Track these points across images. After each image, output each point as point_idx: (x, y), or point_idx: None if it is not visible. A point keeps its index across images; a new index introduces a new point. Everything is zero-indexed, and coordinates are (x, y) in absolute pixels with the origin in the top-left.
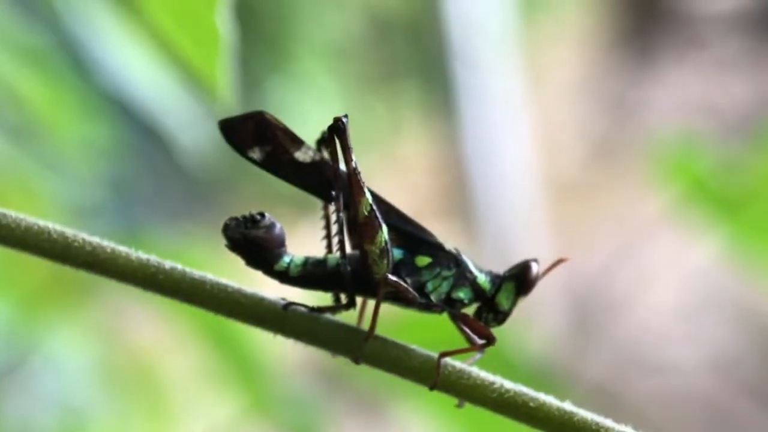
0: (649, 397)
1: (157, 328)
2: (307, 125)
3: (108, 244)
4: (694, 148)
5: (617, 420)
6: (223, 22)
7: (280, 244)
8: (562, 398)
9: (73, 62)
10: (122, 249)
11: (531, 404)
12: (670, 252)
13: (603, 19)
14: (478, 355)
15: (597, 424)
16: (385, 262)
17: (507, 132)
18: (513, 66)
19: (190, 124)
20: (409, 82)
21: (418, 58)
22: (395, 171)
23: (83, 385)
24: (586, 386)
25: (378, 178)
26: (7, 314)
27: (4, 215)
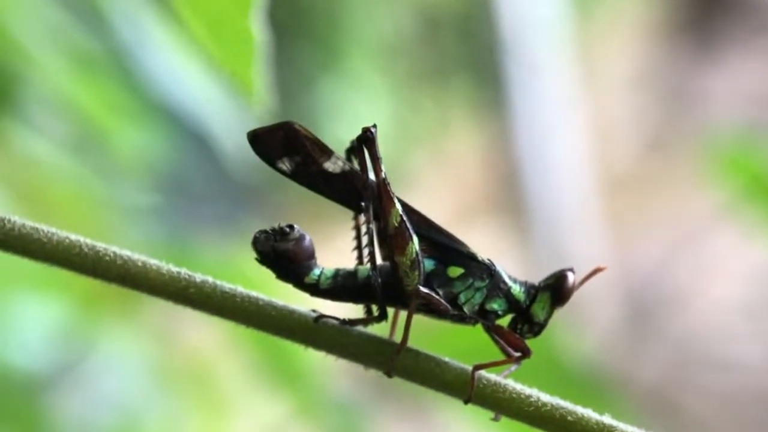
0: (710, 396)
1: (209, 329)
2: (358, 124)
3: (139, 258)
4: (753, 141)
5: (672, 425)
6: (257, 26)
7: (309, 256)
8: (612, 402)
9: (123, 69)
10: (153, 262)
11: (569, 418)
12: (732, 246)
13: (661, 7)
14: (513, 367)
15: None
16: (417, 273)
17: (559, 126)
18: (566, 59)
19: (236, 130)
20: (460, 77)
21: (468, 53)
22: (445, 168)
23: (139, 385)
24: (643, 386)
25: (428, 174)
26: (65, 314)
27: (36, 230)
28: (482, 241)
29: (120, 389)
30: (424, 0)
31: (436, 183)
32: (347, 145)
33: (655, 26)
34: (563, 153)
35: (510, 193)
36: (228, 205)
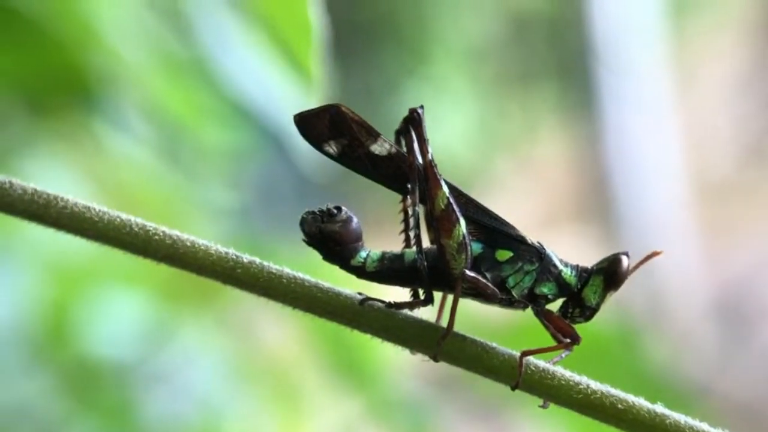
0: None
1: (285, 327)
2: (443, 128)
3: (188, 237)
4: None
5: None
6: (316, 16)
7: (356, 238)
8: (695, 410)
9: (207, 71)
10: (202, 242)
11: (620, 406)
12: None
13: (764, 8)
14: (564, 354)
15: (691, 428)
16: (464, 256)
17: (652, 132)
18: (661, 62)
19: None
20: (548, 81)
21: (557, 57)
22: (531, 172)
23: (217, 380)
24: (731, 398)
25: (513, 180)
26: (149, 308)
27: (88, 208)
28: (568, 248)
29: (199, 383)
30: (513, 4)
31: (522, 189)
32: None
33: (757, 28)
34: (655, 159)
35: (598, 200)
36: (310, 206)
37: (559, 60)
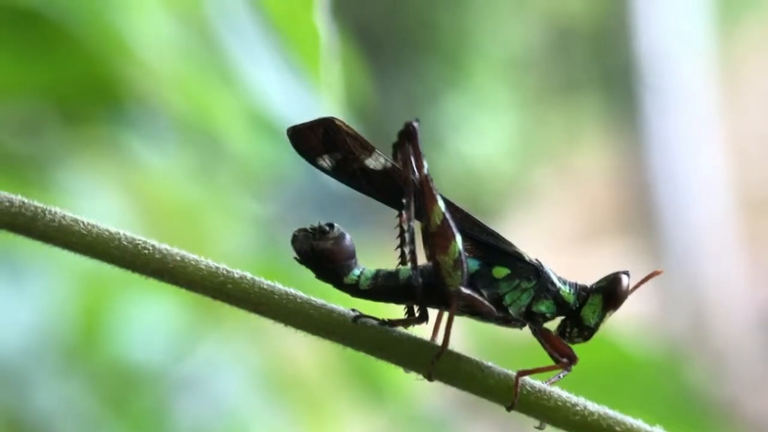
0: None
1: (309, 341)
2: (481, 138)
3: (177, 252)
4: None
5: None
6: (323, 23)
7: (349, 256)
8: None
9: (233, 80)
10: (191, 257)
11: (617, 428)
12: None
13: None
14: (562, 374)
15: None
16: (459, 273)
17: (697, 144)
18: (707, 74)
19: None
20: (590, 92)
21: (600, 67)
22: (572, 184)
23: (243, 391)
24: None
25: (553, 192)
26: (178, 316)
27: (76, 221)
28: (610, 262)
29: (226, 391)
30: (555, 14)
31: (562, 201)
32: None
33: None
34: (699, 172)
35: (641, 213)
36: (349, 217)
37: (602, 70)
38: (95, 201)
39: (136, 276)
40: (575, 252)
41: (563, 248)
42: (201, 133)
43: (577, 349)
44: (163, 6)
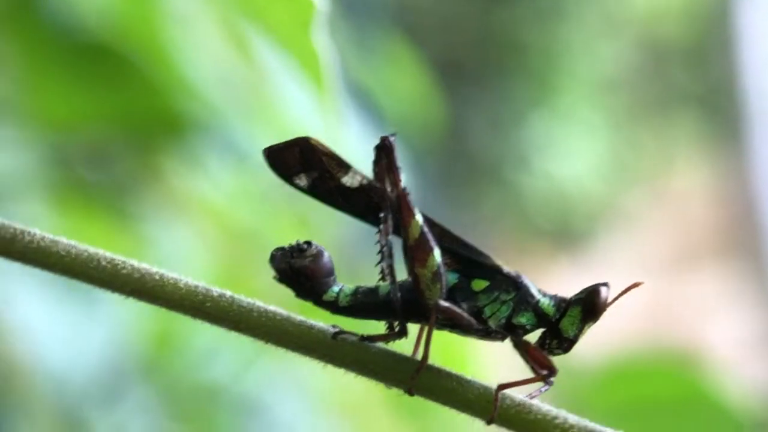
0: None
1: None
2: (572, 159)
3: (156, 271)
4: None
5: None
6: (320, 41)
7: (328, 273)
8: None
9: (277, 107)
10: (170, 276)
11: None
12: None
13: None
14: (544, 388)
15: None
16: (438, 286)
17: None
18: None
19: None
20: (687, 111)
21: (697, 85)
22: (668, 206)
23: (300, 409)
24: None
25: (648, 213)
26: (236, 340)
27: (55, 242)
28: (710, 287)
29: (282, 411)
30: (650, 33)
31: (657, 223)
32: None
33: None
34: None
35: (744, 234)
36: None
37: (699, 89)
38: (164, 229)
39: None
40: (672, 277)
41: (659, 273)
42: (258, 164)
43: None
44: (220, 39)
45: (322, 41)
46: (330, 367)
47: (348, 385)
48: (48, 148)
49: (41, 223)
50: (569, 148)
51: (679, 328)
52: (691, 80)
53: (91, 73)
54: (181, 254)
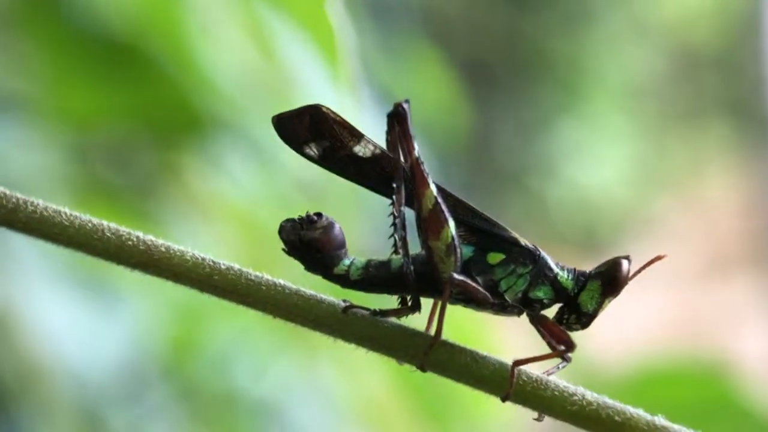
0: None
1: (382, 369)
2: (600, 166)
3: (163, 243)
4: None
5: None
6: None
7: (339, 246)
8: None
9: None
10: (177, 248)
11: (617, 418)
12: None
13: None
14: (562, 364)
15: None
16: (453, 259)
17: None
18: None
19: None
20: (717, 119)
21: (729, 93)
22: (697, 214)
23: (317, 414)
24: None
25: (677, 221)
26: (250, 340)
27: (58, 212)
28: (741, 297)
29: (301, 416)
30: (680, 40)
31: (686, 231)
32: None
33: None
34: None
35: None
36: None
37: (731, 96)
38: (185, 230)
39: (225, 303)
40: (702, 287)
41: (688, 283)
42: (277, 161)
43: None
44: (242, 37)
45: (337, 15)
46: (349, 371)
47: (367, 389)
48: (71, 148)
49: None
50: (596, 155)
51: (709, 337)
52: (722, 87)
53: (114, 72)
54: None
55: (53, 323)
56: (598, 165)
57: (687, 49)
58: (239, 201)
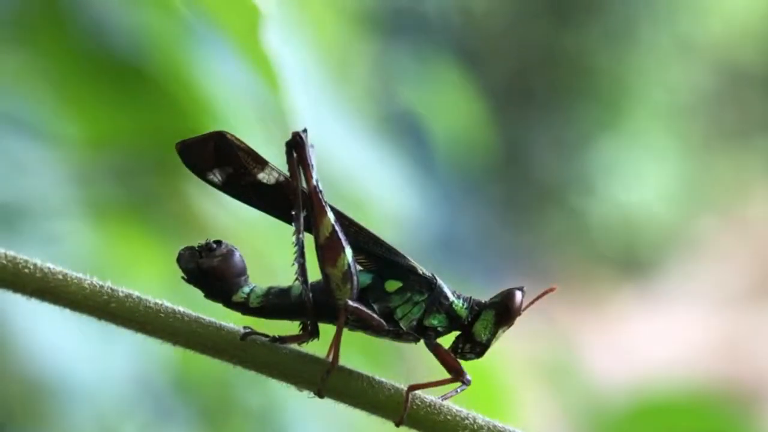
0: None
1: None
2: (641, 185)
3: (60, 270)
4: None
5: None
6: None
7: (238, 273)
8: None
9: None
10: (74, 275)
11: None
12: None
13: None
14: (460, 389)
15: None
16: (349, 286)
17: None
18: None
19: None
20: (762, 137)
21: None
22: (743, 235)
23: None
24: None
25: (721, 241)
26: None
27: None
28: None
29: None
30: (726, 59)
31: (732, 253)
32: None
33: None
34: None
35: None
36: (497, 262)
37: None
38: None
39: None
40: (747, 309)
41: (732, 305)
42: None
43: None
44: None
45: (271, 45)
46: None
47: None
48: (76, 168)
49: (70, 243)
50: (638, 174)
51: (753, 362)
52: (767, 106)
53: (119, 94)
54: None
55: (56, 342)
56: (640, 183)
57: (732, 68)
58: (237, 226)
